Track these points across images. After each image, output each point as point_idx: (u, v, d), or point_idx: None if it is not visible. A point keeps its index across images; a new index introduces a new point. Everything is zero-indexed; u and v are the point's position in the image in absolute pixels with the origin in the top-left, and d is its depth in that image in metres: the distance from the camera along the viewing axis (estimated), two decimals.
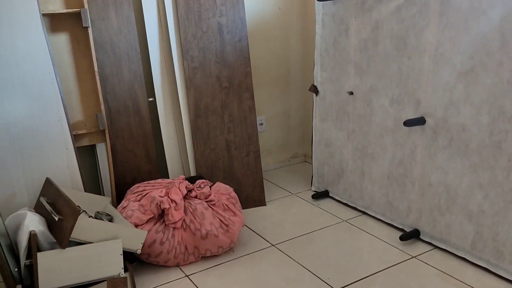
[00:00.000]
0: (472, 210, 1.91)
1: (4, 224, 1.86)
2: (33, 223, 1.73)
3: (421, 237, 2.16)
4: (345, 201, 2.59)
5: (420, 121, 2.03)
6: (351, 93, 2.39)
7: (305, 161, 3.36)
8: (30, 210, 1.88)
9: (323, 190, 2.73)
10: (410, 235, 2.15)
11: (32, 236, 1.65)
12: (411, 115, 2.09)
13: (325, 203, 2.64)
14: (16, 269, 1.70)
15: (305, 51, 3.15)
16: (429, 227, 2.11)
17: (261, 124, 3.12)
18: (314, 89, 2.63)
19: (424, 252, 2.08)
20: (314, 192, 2.76)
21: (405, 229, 2.24)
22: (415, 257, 2.05)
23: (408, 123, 2.02)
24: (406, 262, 2.01)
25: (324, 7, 2.46)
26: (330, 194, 2.69)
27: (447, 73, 1.90)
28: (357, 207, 2.51)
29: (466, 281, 1.86)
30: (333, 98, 2.52)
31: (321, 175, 2.73)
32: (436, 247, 2.11)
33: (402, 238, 2.15)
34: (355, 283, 1.88)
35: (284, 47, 3.07)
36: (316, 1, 2.49)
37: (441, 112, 1.95)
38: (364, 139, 2.37)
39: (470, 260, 1.96)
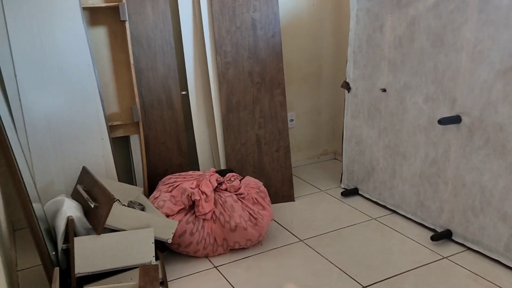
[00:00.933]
0: (507, 212, 1.86)
1: (43, 210, 1.94)
2: (70, 209, 1.79)
3: (453, 238, 2.12)
4: (374, 199, 2.57)
5: (455, 119, 1.99)
6: (384, 90, 2.36)
7: (335, 159, 3.35)
8: (68, 197, 1.95)
9: (353, 187, 2.72)
10: (442, 236, 2.12)
11: (70, 221, 1.71)
12: (446, 114, 2.05)
13: (355, 200, 2.62)
14: (53, 253, 1.77)
15: (337, 48, 3.13)
16: (462, 228, 2.07)
17: (292, 120, 3.12)
18: (346, 86, 2.61)
19: (456, 253, 2.04)
20: (344, 190, 2.75)
21: (437, 229, 2.20)
22: (446, 257, 2.02)
23: (443, 121, 1.99)
24: (437, 263, 1.98)
25: (359, 2, 2.44)
26: (360, 192, 2.67)
27: (485, 71, 1.85)
28: (387, 206, 2.49)
29: (499, 283, 1.81)
30: (365, 95, 2.50)
31: (351, 172, 2.71)
32: (469, 248, 2.07)
33: (433, 238, 2.11)
34: (384, 281, 1.86)
35: (317, 43, 3.06)
36: None
37: (478, 111, 1.91)
38: (396, 137, 2.34)
39: (503, 262, 1.91)
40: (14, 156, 1.58)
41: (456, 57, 1.96)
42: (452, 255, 2.03)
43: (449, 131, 2.05)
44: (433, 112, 2.11)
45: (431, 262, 1.98)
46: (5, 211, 2.18)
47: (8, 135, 1.58)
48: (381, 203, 2.53)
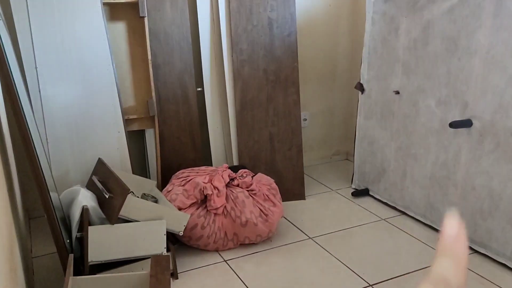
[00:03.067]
0: None
1: (59, 199, 2.00)
2: (85, 199, 1.85)
3: None
4: (385, 200, 2.58)
5: (466, 123, 2.00)
6: (397, 93, 2.38)
7: (347, 159, 3.36)
8: (83, 187, 2.01)
9: (363, 188, 2.73)
10: None
11: (85, 211, 1.77)
12: (457, 117, 2.05)
13: (365, 201, 2.64)
14: (68, 241, 1.83)
15: (353, 49, 3.15)
16: (470, 231, 2.07)
17: (305, 119, 3.15)
18: (360, 87, 2.63)
19: None
20: (354, 190, 2.77)
21: None
22: None
23: (454, 125, 2.00)
24: None
25: (375, 5, 2.46)
26: (370, 193, 2.69)
27: (498, 76, 1.86)
28: (397, 207, 2.50)
29: (505, 287, 1.82)
30: (379, 97, 2.51)
31: (362, 173, 2.73)
32: (476, 251, 2.07)
33: None
34: (390, 280, 1.89)
35: (332, 43, 3.08)
36: None
37: (489, 116, 1.91)
38: (408, 139, 2.35)
39: (510, 266, 1.92)
40: (34, 145, 1.64)
41: (469, 62, 1.97)
42: None
43: (460, 134, 2.06)
44: (445, 115, 2.12)
45: None
46: (22, 200, 2.24)
47: (28, 125, 1.64)
48: (391, 204, 2.54)
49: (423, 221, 2.34)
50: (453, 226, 0.30)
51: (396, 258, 2.05)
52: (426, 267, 1.97)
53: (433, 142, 2.20)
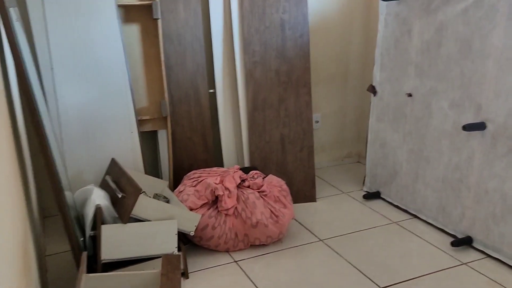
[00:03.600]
0: None
1: (73, 198, 2.03)
2: (99, 198, 1.88)
3: (474, 244, 2.11)
4: (396, 203, 2.57)
5: (480, 126, 1.98)
6: (410, 95, 2.36)
7: (359, 161, 3.35)
8: (96, 187, 2.04)
9: (375, 191, 2.72)
10: (462, 242, 2.11)
11: (98, 210, 1.79)
12: (471, 120, 2.04)
13: (376, 204, 2.63)
14: (81, 239, 1.86)
15: (365, 50, 3.14)
16: (483, 235, 2.05)
17: (317, 121, 3.14)
18: (372, 89, 2.62)
19: (476, 260, 2.03)
20: (366, 193, 2.76)
21: (457, 235, 2.19)
22: (465, 264, 2.01)
23: (468, 127, 1.98)
24: (456, 268, 1.98)
25: (388, 6, 2.45)
26: (382, 196, 2.68)
27: None
28: (409, 210, 2.48)
29: None
30: (391, 99, 2.50)
31: (374, 175, 2.72)
32: (489, 255, 2.05)
33: (453, 244, 2.11)
34: (401, 283, 1.88)
35: (345, 45, 3.08)
36: (380, 1, 2.48)
37: (503, 118, 1.89)
38: (420, 141, 2.34)
39: None
40: (49, 145, 1.67)
41: (483, 64, 1.95)
42: (472, 261, 2.02)
43: (473, 137, 2.04)
44: (458, 118, 2.10)
45: (449, 268, 1.98)
46: (37, 198, 2.28)
47: (44, 125, 1.67)
48: (402, 207, 2.53)
49: (435, 224, 2.32)
50: None
51: (407, 262, 2.03)
52: (437, 271, 1.96)
53: (446, 144, 2.19)
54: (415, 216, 2.45)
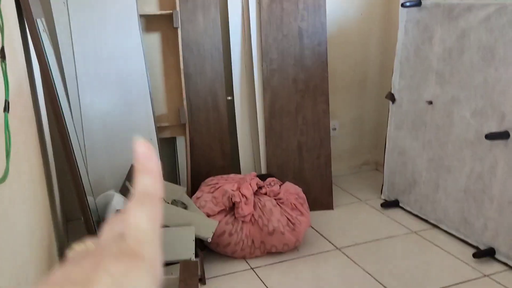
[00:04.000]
0: None
1: (95, 202, 2.07)
2: (119, 203, 1.90)
3: (496, 256, 2.06)
4: (415, 213, 2.53)
5: (503, 135, 1.94)
6: (430, 103, 2.34)
7: (376, 169, 3.32)
8: (117, 192, 2.07)
9: (393, 199, 2.69)
10: (485, 253, 2.06)
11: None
12: (494, 129, 2.00)
13: (395, 212, 2.59)
14: None
15: (384, 58, 3.11)
16: (506, 247, 2.00)
17: (334, 128, 3.13)
18: (391, 97, 2.60)
19: (498, 272, 1.98)
20: (384, 201, 2.72)
21: (480, 246, 2.14)
22: (488, 276, 1.96)
23: (491, 136, 1.95)
24: (478, 280, 1.93)
25: (409, 13, 2.43)
26: (400, 204, 2.64)
27: None
28: (429, 220, 2.44)
29: None
30: (410, 107, 2.48)
31: (392, 183, 2.69)
32: None
33: (475, 256, 2.07)
34: None
35: (363, 52, 3.06)
36: (400, 8, 2.47)
37: None
38: (441, 150, 2.30)
39: None
40: (73, 151, 1.70)
41: (507, 72, 1.91)
42: (494, 273, 1.98)
43: (496, 146, 2.00)
44: (481, 127, 2.07)
45: (471, 279, 1.94)
46: (61, 203, 2.33)
47: (68, 132, 1.71)
48: (422, 216, 2.49)
49: (456, 235, 2.28)
50: (142, 148, 0.33)
51: (427, 273, 2.00)
52: (458, 283, 1.92)
53: (468, 154, 2.15)
54: (435, 226, 2.41)
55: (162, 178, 0.34)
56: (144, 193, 0.32)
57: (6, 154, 0.84)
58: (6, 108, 0.89)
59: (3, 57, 0.92)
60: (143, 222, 0.31)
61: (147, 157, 0.34)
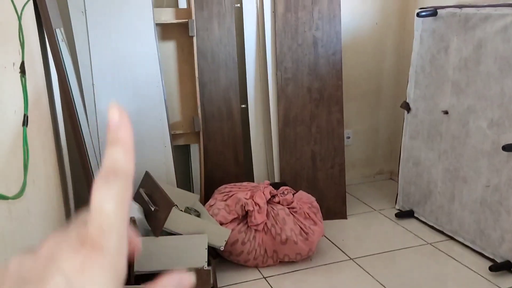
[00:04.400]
0: None
1: None
2: (133, 210, 1.92)
3: None
4: (431, 224, 2.50)
5: None
6: (446, 113, 2.31)
7: (391, 179, 3.29)
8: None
9: (408, 209, 2.66)
10: (502, 267, 2.02)
11: (132, 222, 1.83)
12: (511, 140, 1.97)
13: (409, 223, 2.56)
14: None
15: (399, 67, 3.10)
16: None
17: (348, 137, 3.11)
18: (406, 106, 2.58)
19: None
20: (398, 211, 2.69)
21: (496, 259, 2.10)
22: None
23: (508, 148, 1.92)
24: None
25: (424, 23, 2.42)
26: (415, 215, 2.61)
27: None
28: (444, 231, 2.41)
29: None
30: (425, 117, 2.45)
31: (407, 194, 2.66)
32: None
33: (492, 269, 2.03)
34: None
35: (378, 62, 3.05)
36: (416, 17, 2.45)
37: None
38: (457, 161, 2.27)
39: None
40: (88, 157, 1.72)
41: None
42: (511, 287, 1.94)
43: None
44: (498, 138, 2.04)
45: None
46: (76, 211, 2.35)
47: (84, 137, 1.73)
48: (437, 228, 2.45)
49: (472, 247, 2.24)
50: (116, 114, 0.29)
51: (442, 285, 1.97)
52: None
53: (484, 165, 2.12)
54: (451, 238, 2.37)
55: (134, 151, 0.29)
56: (112, 168, 0.27)
57: (24, 168, 0.85)
58: (25, 122, 0.91)
59: (23, 72, 0.94)
60: (108, 205, 0.26)
61: (119, 126, 0.29)
